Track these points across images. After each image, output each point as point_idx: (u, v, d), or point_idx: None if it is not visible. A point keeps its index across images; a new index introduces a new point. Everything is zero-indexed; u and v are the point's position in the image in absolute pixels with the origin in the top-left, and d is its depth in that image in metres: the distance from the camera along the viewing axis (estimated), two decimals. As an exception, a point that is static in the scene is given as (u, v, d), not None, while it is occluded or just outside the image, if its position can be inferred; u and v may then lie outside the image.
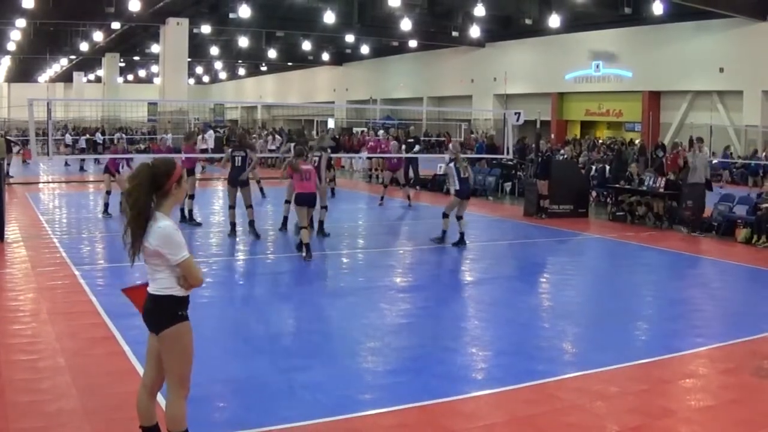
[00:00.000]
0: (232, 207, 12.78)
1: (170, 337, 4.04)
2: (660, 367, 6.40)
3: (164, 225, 4.01)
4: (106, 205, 15.09)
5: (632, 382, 6.02)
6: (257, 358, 6.47)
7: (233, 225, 12.82)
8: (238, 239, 12.83)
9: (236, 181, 12.67)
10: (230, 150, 13.32)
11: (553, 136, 31.91)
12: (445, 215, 12.35)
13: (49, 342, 6.68)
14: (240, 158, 12.66)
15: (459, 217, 12.31)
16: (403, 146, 22.28)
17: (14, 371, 5.90)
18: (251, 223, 12.77)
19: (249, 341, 6.95)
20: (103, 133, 34.91)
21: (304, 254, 10.83)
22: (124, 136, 32.95)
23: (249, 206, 12.76)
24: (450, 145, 13.22)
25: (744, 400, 5.73)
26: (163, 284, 4.03)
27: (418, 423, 5.09)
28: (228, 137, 28.71)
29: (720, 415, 5.42)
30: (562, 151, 23.00)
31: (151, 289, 4.06)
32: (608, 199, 17.70)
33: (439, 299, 8.86)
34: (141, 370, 5.60)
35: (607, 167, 20.05)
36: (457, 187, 12.09)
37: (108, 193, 15.23)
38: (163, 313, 4.04)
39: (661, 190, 15.34)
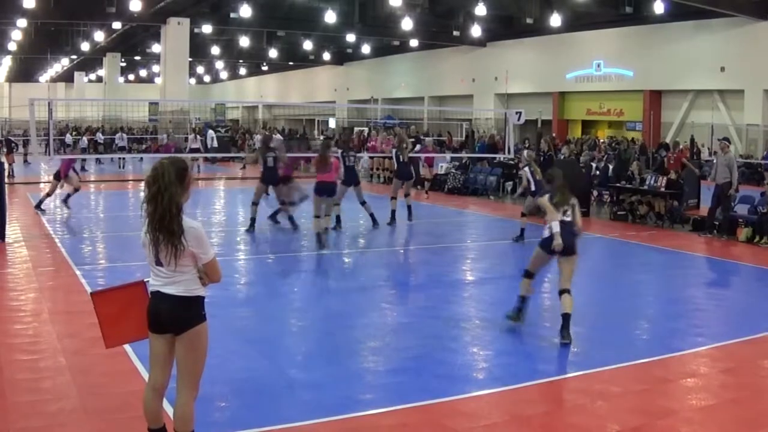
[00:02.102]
0: (255, 203, 13.28)
1: (193, 336, 4.04)
2: (661, 367, 6.40)
3: (196, 225, 4.03)
4: (41, 202, 15.42)
5: (633, 381, 6.02)
6: (258, 357, 6.47)
7: (253, 220, 13.22)
8: (238, 238, 12.84)
9: (268, 180, 13.41)
10: (263, 151, 13.90)
11: (554, 135, 31.90)
12: (524, 215, 13.07)
13: (50, 342, 6.68)
14: (272, 158, 13.33)
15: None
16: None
17: (15, 371, 5.90)
18: (291, 218, 13.51)
19: (250, 341, 6.95)
20: (103, 133, 34.97)
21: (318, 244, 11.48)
22: (125, 136, 33.09)
23: (283, 202, 13.52)
24: (525, 153, 14.17)
25: (744, 399, 5.73)
26: (189, 285, 4.03)
27: (419, 423, 5.09)
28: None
29: (720, 414, 5.42)
30: (563, 150, 22.97)
31: (174, 291, 4.01)
32: (611, 198, 17.66)
33: (440, 299, 8.85)
34: (142, 370, 5.61)
35: (610, 166, 20.03)
36: (534, 189, 12.63)
37: (49, 195, 15.51)
38: (192, 314, 4.04)
39: (663, 189, 15.33)
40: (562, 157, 20.75)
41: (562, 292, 7.20)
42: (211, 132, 31.51)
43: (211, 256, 4.07)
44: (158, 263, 4.00)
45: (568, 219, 7.35)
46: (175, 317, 4.02)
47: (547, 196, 7.56)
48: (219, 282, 4.22)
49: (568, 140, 30.78)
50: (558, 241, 7.07)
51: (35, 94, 23.41)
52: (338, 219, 13.72)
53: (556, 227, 7.13)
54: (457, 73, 40.60)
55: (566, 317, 7.02)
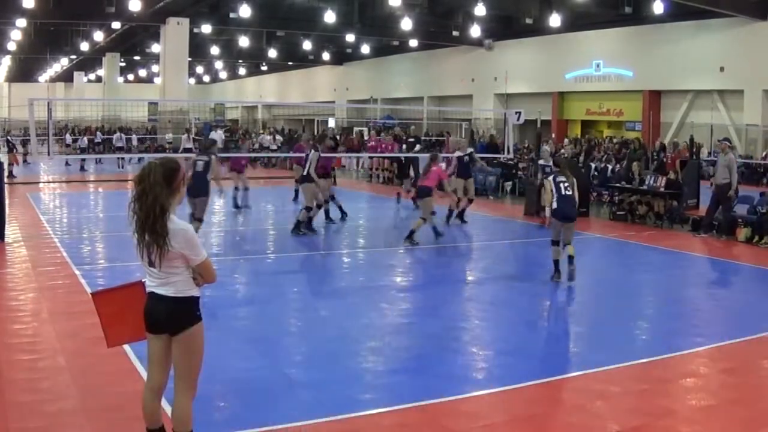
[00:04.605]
0: (329, 200, 14.08)
1: (189, 337, 4.03)
2: (660, 367, 6.40)
3: (186, 227, 4.01)
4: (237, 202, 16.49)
5: (633, 381, 6.02)
6: (258, 357, 6.47)
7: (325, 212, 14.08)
8: (238, 238, 12.83)
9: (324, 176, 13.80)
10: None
11: (554, 135, 31.91)
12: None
13: (49, 342, 6.68)
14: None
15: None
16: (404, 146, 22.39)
17: (15, 371, 5.90)
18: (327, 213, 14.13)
19: (249, 341, 6.95)
20: (103, 133, 34.96)
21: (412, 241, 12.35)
22: (123, 136, 33.09)
23: (331, 197, 14.07)
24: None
25: (744, 399, 5.73)
26: (182, 286, 4.02)
27: (419, 423, 5.09)
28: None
29: (720, 414, 5.42)
30: (562, 150, 22.99)
31: (168, 292, 4.00)
32: (610, 198, 17.66)
33: (439, 299, 8.86)
34: (141, 370, 5.61)
35: (610, 166, 20.02)
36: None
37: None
38: (186, 315, 4.03)
39: (662, 189, 15.32)
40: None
41: (567, 244, 9.42)
42: (220, 132, 31.59)
43: (203, 257, 4.03)
44: (151, 264, 4.00)
45: (569, 194, 9.30)
46: (169, 318, 4.02)
47: (551, 177, 9.53)
48: (214, 282, 4.21)
49: (569, 140, 30.81)
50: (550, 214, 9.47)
51: (35, 94, 23.42)
52: (327, 213, 14.16)
53: (548, 212, 9.48)
54: (457, 73, 40.57)
55: (571, 258, 9.34)
